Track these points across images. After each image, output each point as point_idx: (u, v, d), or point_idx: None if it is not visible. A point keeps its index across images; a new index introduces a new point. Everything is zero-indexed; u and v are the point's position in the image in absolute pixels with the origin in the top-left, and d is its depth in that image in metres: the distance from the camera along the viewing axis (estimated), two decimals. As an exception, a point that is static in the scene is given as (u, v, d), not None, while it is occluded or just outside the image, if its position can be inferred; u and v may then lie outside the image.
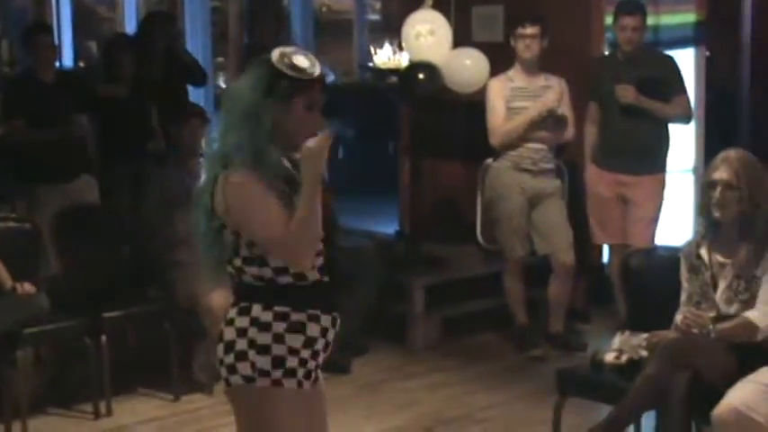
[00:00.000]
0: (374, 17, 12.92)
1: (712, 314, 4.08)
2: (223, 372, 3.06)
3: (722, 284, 4.13)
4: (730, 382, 3.91)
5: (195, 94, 8.07)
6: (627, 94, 5.97)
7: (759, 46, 7.31)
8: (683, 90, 6.15)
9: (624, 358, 4.31)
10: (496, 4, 7.11)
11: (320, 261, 3.06)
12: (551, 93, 6.11)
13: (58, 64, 7.60)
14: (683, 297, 4.23)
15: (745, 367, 3.95)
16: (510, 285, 6.30)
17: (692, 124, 6.54)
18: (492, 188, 6.28)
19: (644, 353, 4.23)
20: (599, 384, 4.38)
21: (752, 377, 3.91)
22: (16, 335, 4.99)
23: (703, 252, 4.19)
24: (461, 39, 6.57)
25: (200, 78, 7.60)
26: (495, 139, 6.19)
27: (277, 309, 3.01)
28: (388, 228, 7.86)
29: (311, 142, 2.92)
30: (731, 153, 4.16)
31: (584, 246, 6.43)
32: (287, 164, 3.03)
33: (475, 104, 6.35)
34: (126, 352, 5.78)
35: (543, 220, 6.20)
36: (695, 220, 4.98)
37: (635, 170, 6.08)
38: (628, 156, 6.06)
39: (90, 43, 11.37)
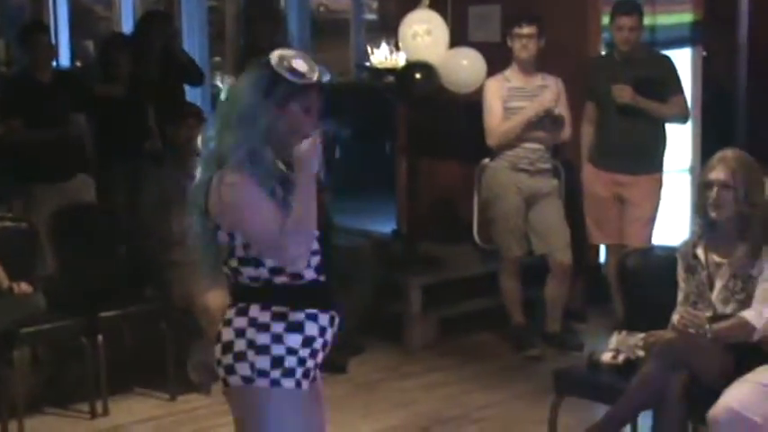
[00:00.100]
0: (371, 17, 12.95)
1: (709, 314, 4.09)
2: (221, 372, 3.06)
3: (719, 284, 4.14)
4: (727, 381, 3.92)
5: (192, 94, 8.07)
6: (624, 94, 5.97)
7: (756, 46, 7.30)
8: (679, 90, 6.14)
9: (621, 358, 4.31)
10: (493, 3, 7.10)
11: (317, 260, 3.06)
12: (548, 93, 6.11)
13: (54, 63, 7.59)
14: (680, 297, 4.24)
15: (741, 367, 3.95)
16: (507, 285, 6.30)
17: (689, 124, 6.54)
18: (489, 188, 6.28)
19: (641, 353, 4.23)
20: (596, 384, 4.38)
21: (748, 377, 3.91)
22: (13, 334, 4.99)
23: (700, 252, 4.19)
24: (458, 38, 6.56)
25: (196, 78, 7.60)
26: (492, 139, 6.19)
27: (275, 309, 3.01)
28: (385, 227, 7.85)
29: (304, 144, 2.93)
30: (728, 153, 4.17)
31: (581, 245, 6.42)
32: (282, 165, 3.03)
33: (472, 104, 6.33)
34: (122, 351, 5.77)
35: (540, 219, 6.20)
36: (692, 219, 4.97)
37: (632, 170, 6.08)
38: (625, 156, 6.05)
39: (87, 43, 11.39)
